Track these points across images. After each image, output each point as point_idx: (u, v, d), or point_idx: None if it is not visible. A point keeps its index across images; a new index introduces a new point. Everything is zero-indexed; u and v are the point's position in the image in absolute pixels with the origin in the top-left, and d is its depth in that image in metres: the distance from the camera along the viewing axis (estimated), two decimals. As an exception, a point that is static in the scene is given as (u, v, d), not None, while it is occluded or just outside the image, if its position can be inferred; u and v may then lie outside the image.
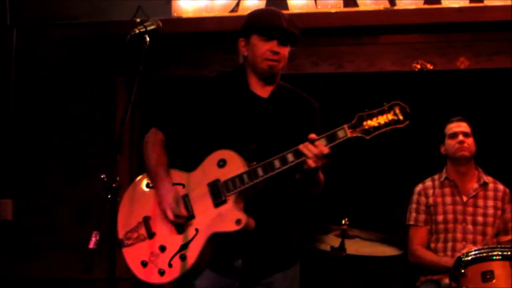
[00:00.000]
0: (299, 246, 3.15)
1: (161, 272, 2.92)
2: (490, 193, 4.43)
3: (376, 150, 5.32)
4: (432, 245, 4.41)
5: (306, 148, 2.81)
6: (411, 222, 4.48)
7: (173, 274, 2.90)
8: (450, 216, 4.39)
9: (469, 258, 3.68)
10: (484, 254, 3.69)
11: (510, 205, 4.42)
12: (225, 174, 2.92)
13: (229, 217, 2.88)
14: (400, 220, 4.58)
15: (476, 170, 4.50)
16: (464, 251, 3.93)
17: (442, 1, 4.82)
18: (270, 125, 3.02)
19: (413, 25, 4.90)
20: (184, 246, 2.92)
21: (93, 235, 2.63)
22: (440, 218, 4.40)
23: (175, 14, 5.09)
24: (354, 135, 2.81)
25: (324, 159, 2.82)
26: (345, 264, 4.22)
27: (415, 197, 4.51)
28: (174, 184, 3.00)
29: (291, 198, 3.10)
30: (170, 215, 2.93)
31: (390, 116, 2.80)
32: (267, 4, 4.95)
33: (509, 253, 3.64)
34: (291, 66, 5.04)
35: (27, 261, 5.15)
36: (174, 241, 2.94)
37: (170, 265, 2.91)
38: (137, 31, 2.87)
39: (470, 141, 4.42)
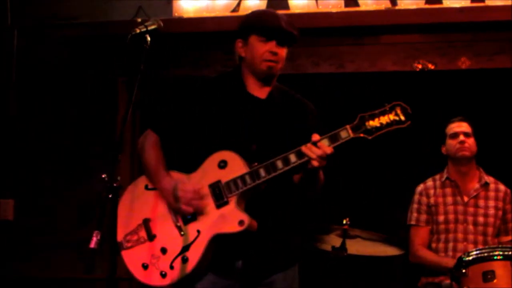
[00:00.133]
0: (299, 246, 3.15)
1: (163, 274, 2.91)
2: (491, 194, 4.42)
3: (377, 150, 5.32)
4: (433, 245, 4.41)
5: (309, 149, 2.82)
6: (412, 222, 4.48)
7: (174, 276, 2.89)
8: (451, 216, 4.38)
9: (470, 258, 3.68)
10: (485, 254, 3.68)
11: (511, 206, 4.42)
12: (226, 175, 2.91)
13: (232, 218, 2.87)
14: (401, 220, 4.59)
15: (477, 170, 4.50)
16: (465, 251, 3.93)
17: (443, 1, 4.82)
18: (269, 125, 3.02)
19: (414, 25, 4.90)
20: (186, 248, 2.91)
21: (94, 234, 2.63)
22: (441, 218, 4.40)
23: (176, 14, 5.09)
24: (357, 135, 2.82)
25: (327, 160, 2.83)
26: (346, 264, 4.23)
27: (416, 197, 4.51)
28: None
29: (291, 199, 3.10)
30: (179, 205, 2.91)
31: (391, 117, 2.82)
32: (268, 4, 4.95)
33: (510, 253, 3.64)
34: (292, 66, 5.11)
35: (28, 261, 5.15)
36: (175, 243, 2.92)
37: (171, 267, 2.90)
38: (138, 31, 2.86)
39: (471, 141, 4.41)
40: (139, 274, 2.96)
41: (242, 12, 4.93)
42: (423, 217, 4.46)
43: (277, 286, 3.01)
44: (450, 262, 4.07)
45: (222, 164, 2.94)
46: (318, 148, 2.81)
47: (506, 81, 4.92)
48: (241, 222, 2.85)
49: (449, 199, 4.43)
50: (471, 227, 4.34)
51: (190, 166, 3.01)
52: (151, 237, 2.96)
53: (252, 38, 3.01)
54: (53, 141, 5.27)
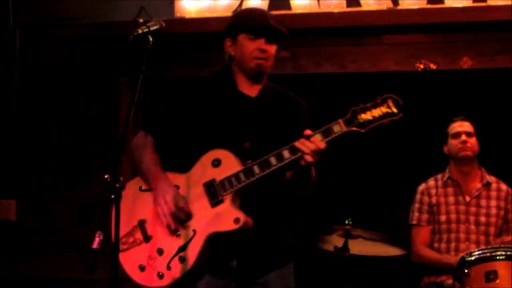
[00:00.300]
0: (292, 243, 3.14)
1: (160, 275, 2.90)
2: (493, 193, 4.42)
3: (379, 150, 5.33)
4: (435, 245, 4.41)
5: (303, 145, 2.82)
6: (414, 222, 4.48)
7: (172, 276, 2.89)
8: (453, 216, 4.38)
9: (473, 258, 3.69)
10: (488, 254, 3.69)
11: (513, 205, 4.42)
12: (220, 174, 2.92)
13: (227, 217, 2.87)
14: (402, 220, 4.58)
15: (479, 170, 4.50)
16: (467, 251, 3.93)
17: (445, 1, 4.82)
18: (261, 123, 3.03)
19: (416, 25, 4.89)
20: (183, 248, 2.90)
21: (97, 235, 2.64)
22: (443, 218, 4.40)
23: (178, 15, 5.09)
24: (349, 129, 2.83)
25: (320, 154, 2.84)
26: (348, 264, 4.22)
27: (418, 196, 4.51)
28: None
29: (284, 196, 3.10)
30: (172, 209, 2.91)
31: (384, 109, 2.82)
32: (270, 4, 4.95)
33: (512, 253, 3.65)
34: (293, 66, 5.11)
35: (30, 261, 5.15)
36: (171, 243, 2.92)
37: (168, 268, 2.90)
38: (140, 32, 2.86)
39: (473, 140, 4.41)
40: (136, 276, 2.95)
41: (244, 12, 4.92)
42: (425, 216, 4.46)
43: (272, 284, 3.01)
44: (452, 258, 4.08)
45: (216, 163, 2.94)
46: (312, 143, 2.82)
47: (508, 81, 4.92)
48: (236, 220, 2.85)
49: (451, 199, 4.43)
50: (473, 227, 4.34)
51: (184, 165, 3.01)
52: (147, 238, 2.96)
53: (241, 36, 3.03)
54: (55, 141, 5.27)
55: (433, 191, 4.47)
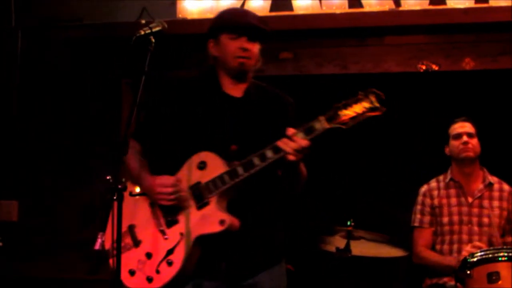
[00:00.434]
0: (282, 243, 3.14)
1: (149, 279, 2.91)
2: (496, 194, 4.42)
3: (381, 151, 5.33)
4: (438, 247, 4.40)
5: (285, 144, 2.82)
6: (416, 224, 4.47)
7: (161, 280, 2.90)
8: (455, 218, 4.38)
9: (475, 259, 3.68)
10: (490, 255, 3.68)
11: (515, 206, 4.42)
12: (206, 176, 2.93)
13: (213, 219, 2.88)
14: (405, 221, 4.58)
15: (481, 170, 4.49)
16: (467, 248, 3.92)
17: (447, 2, 4.82)
18: (247, 124, 3.02)
19: (418, 26, 4.90)
20: (170, 251, 2.91)
21: (99, 236, 2.64)
22: (445, 219, 4.39)
23: (180, 16, 5.09)
24: (332, 125, 2.81)
25: (304, 152, 2.83)
26: (350, 265, 4.22)
27: (420, 198, 4.51)
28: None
29: (272, 195, 3.09)
30: (166, 196, 2.92)
31: (366, 104, 2.79)
32: (272, 5, 4.95)
33: (515, 254, 3.64)
34: (295, 67, 5.11)
35: (32, 262, 5.16)
36: (160, 247, 2.93)
37: (157, 271, 2.91)
38: (142, 33, 2.86)
39: (474, 141, 4.41)
40: (127, 280, 2.96)
41: (246, 13, 4.92)
42: (427, 218, 4.45)
43: (263, 284, 3.01)
44: (453, 260, 4.08)
45: (202, 165, 2.95)
46: (294, 141, 2.81)
47: (510, 82, 4.92)
48: (222, 222, 2.86)
49: (453, 200, 4.42)
50: (476, 228, 4.33)
51: (172, 169, 3.02)
52: (136, 243, 2.97)
53: (223, 36, 3.03)
54: (57, 142, 5.28)
55: (435, 192, 4.47)
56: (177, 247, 2.91)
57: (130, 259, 2.94)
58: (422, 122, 5.24)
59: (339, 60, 5.08)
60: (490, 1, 4.78)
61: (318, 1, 4.95)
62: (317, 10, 4.95)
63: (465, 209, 4.38)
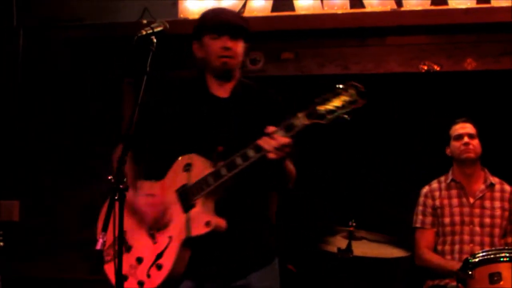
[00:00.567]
0: (273, 242, 3.13)
1: (141, 284, 2.91)
2: (497, 194, 4.42)
3: (383, 151, 5.33)
4: (439, 247, 4.40)
5: (265, 142, 2.79)
6: (418, 225, 4.47)
7: (152, 284, 2.90)
8: (457, 218, 4.38)
9: (477, 260, 3.67)
10: (492, 256, 3.68)
11: (517, 206, 4.41)
12: (191, 178, 2.92)
13: (199, 220, 2.88)
14: (406, 221, 4.58)
15: (482, 171, 4.49)
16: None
17: (449, 2, 4.81)
18: (234, 124, 3.01)
19: (419, 26, 4.89)
20: (160, 255, 2.92)
21: (101, 236, 2.64)
22: (447, 220, 4.39)
23: (181, 16, 5.09)
24: (311, 121, 2.76)
25: (286, 150, 2.79)
26: (352, 266, 4.22)
27: (421, 199, 4.50)
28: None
29: (260, 194, 3.07)
30: (148, 218, 2.93)
31: (345, 98, 2.71)
32: (274, 5, 4.95)
33: (516, 254, 3.64)
34: (297, 67, 5.11)
35: (33, 262, 5.16)
36: (150, 251, 2.94)
37: (148, 276, 2.91)
38: (144, 33, 2.86)
39: (475, 142, 4.41)
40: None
41: (248, 13, 4.92)
42: (429, 219, 4.45)
43: (254, 285, 3.00)
44: (455, 265, 4.06)
45: (187, 168, 2.95)
46: (274, 139, 2.77)
47: (511, 82, 4.92)
48: (207, 224, 2.86)
49: (455, 201, 4.42)
50: (477, 228, 4.33)
51: (161, 173, 3.02)
52: (127, 248, 2.97)
53: (206, 37, 3.02)
54: (58, 142, 5.28)
55: (437, 193, 4.46)
56: (166, 251, 2.91)
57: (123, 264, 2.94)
58: (424, 122, 5.23)
59: (340, 60, 5.08)
60: (491, 2, 4.78)
61: (319, 1, 4.95)
62: (318, 10, 4.94)
63: (466, 209, 4.38)
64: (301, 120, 2.76)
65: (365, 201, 5.28)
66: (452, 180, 4.47)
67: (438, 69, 4.93)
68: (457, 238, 4.34)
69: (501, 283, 3.57)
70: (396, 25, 4.89)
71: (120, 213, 2.63)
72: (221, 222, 2.88)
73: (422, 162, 5.23)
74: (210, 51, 3.01)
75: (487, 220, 4.34)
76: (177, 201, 2.94)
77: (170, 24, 2.98)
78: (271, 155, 2.79)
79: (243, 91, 3.09)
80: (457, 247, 4.32)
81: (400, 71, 5.01)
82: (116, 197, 2.64)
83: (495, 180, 4.46)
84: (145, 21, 4.82)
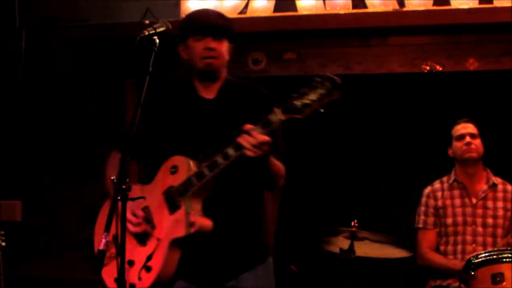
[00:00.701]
0: (266, 241, 3.12)
1: (132, 286, 2.91)
2: (500, 194, 4.41)
3: (385, 151, 5.33)
4: (442, 247, 4.39)
5: (243, 140, 2.78)
6: (420, 225, 4.47)
7: (142, 286, 2.91)
8: (459, 219, 4.37)
9: (479, 260, 3.67)
10: (494, 256, 3.68)
11: (519, 206, 4.41)
12: (177, 180, 2.93)
13: (184, 221, 2.89)
14: (408, 222, 4.58)
15: (485, 171, 4.49)
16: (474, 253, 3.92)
17: (451, 3, 4.81)
18: (220, 125, 3.00)
19: (421, 27, 4.89)
20: (149, 257, 2.93)
21: (103, 236, 2.64)
22: (449, 220, 4.39)
23: (184, 16, 5.08)
24: (288, 117, 2.74)
25: (264, 147, 2.78)
26: (354, 266, 4.22)
27: (423, 199, 4.50)
28: (135, 198, 2.97)
29: (248, 193, 3.06)
30: (129, 226, 2.94)
31: (321, 91, 2.69)
32: (276, 5, 4.95)
33: (519, 255, 3.64)
34: (299, 67, 5.11)
35: (35, 262, 5.16)
36: (140, 254, 2.95)
37: (139, 278, 2.92)
38: (146, 33, 2.86)
39: (477, 142, 4.40)
40: None
41: (250, 14, 4.93)
42: (431, 219, 4.44)
43: (246, 285, 2.99)
44: (458, 264, 4.07)
45: (173, 170, 2.96)
46: (252, 136, 2.77)
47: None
48: (191, 224, 2.87)
49: (457, 201, 4.41)
50: (480, 229, 4.33)
51: (151, 176, 3.05)
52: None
53: (189, 40, 3.03)
54: (60, 142, 5.28)
55: (439, 194, 4.46)
56: (155, 253, 2.92)
57: (115, 268, 2.91)
58: (426, 123, 5.23)
59: (342, 61, 5.08)
60: (494, 2, 4.78)
61: (321, 2, 4.94)
62: (321, 10, 4.94)
63: (469, 210, 4.38)
64: (277, 115, 2.75)
65: (367, 202, 5.28)
66: (455, 180, 4.46)
67: (440, 69, 4.93)
68: (459, 238, 4.34)
69: (504, 283, 3.57)
70: (398, 26, 4.89)
71: (123, 213, 2.63)
72: (207, 222, 2.89)
73: (425, 162, 5.23)
74: (194, 53, 3.02)
75: (490, 221, 4.34)
76: (164, 203, 2.96)
77: (172, 24, 2.98)
78: (249, 153, 2.77)
79: (231, 91, 3.09)
80: (459, 247, 4.32)
81: (403, 71, 5.01)
82: (118, 197, 2.65)
83: (497, 180, 4.46)
84: (147, 22, 4.82)
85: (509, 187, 4.45)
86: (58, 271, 5.13)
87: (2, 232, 4.18)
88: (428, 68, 4.92)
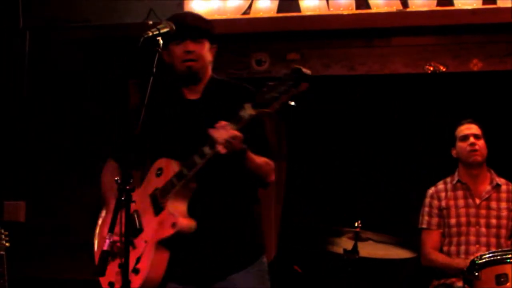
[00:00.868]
0: (257, 241, 3.11)
1: None
2: (503, 195, 4.41)
3: (389, 152, 5.33)
4: (445, 248, 4.39)
5: (215, 133, 2.79)
6: (424, 226, 4.47)
7: None
8: (463, 219, 4.37)
9: (483, 261, 3.67)
10: (498, 257, 3.67)
11: (523, 207, 4.40)
12: (161, 182, 2.96)
13: (167, 222, 2.91)
14: (412, 222, 4.57)
15: (488, 172, 4.48)
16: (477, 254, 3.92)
17: (455, 3, 4.80)
18: (205, 125, 2.95)
19: (425, 27, 4.88)
20: (138, 260, 2.94)
21: (107, 237, 2.64)
22: (453, 221, 4.38)
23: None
24: (257, 111, 2.74)
25: (235, 143, 2.78)
26: (358, 267, 4.22)
27: (427, 200, 4.50)
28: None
29: (235, 192, 3.05)
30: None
31: (289, 83, 2.67)
32: (279, 6, 4.95)
33: (523, 256, 3.63)
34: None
35: (39, 262, 5.16)
36: (130, 257, 2.91)
37: (130, 281, 2.92)
38: (150, 34, 2.86)
39: (481, 143, 4.40)
40: None
41: (253, 14, 4.93)
42: (435, 220, 4.44)
43: (238, 285, 2.99)
44: (461, 262, 4.07)
45: (159, 172, 3.00)
46: (224, 131, 2.77)
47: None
48: (173, 225, 2.89)
49: (461, 202, 4.41)
50: (483, 229, 4.33)
51: (142, 180, 3.08)
52: (113, 256, 2.97)
53: (171, 44, 3.04)
54: (64, 143, 5.28)
55: (443, 194, 4.46)
56: (143, 255, 2.94)
57: (110, 272, 2.93)
58: (431, 123, 5.23)
59: (346, 61, 5.08)
60: (497, 2, 4.77)
61: (325, 2, 4.94)
62: (324, 11, 4.94)
63: (472, 210, 4.38)
64: (247, 111, 2.76)
65: (371, 202, 5.28)
66: (458, 181, 4.46)
67: (444, 70, 4.92)
68: (463, 239, 4.34)
69: (508, 284, 3.57)
70: (402, 26, 4.88)
71: (127, 214, 2.64)
72: (189, 223, 2.90)
73: (429, 163, 5.23)
74: (175, 57, 3.04)
75: (493, 221, 4.34)
76: (150, 205, 2.98)
77: (175, 25, 2.98)
78: (221, 148, 2.77)
79: (215, 90, 3.10)
80: (463, 248, 4.32)
81: (406, 72, 5.01)
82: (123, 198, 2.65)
83: (501, 181, 4.45)
84: (150, 22, 4.83)
85: (512, 187, 4.45)
86: (61, 272, 5.13)
87: (6, 233, 4.19)
88: (431, 68, 4.91)
